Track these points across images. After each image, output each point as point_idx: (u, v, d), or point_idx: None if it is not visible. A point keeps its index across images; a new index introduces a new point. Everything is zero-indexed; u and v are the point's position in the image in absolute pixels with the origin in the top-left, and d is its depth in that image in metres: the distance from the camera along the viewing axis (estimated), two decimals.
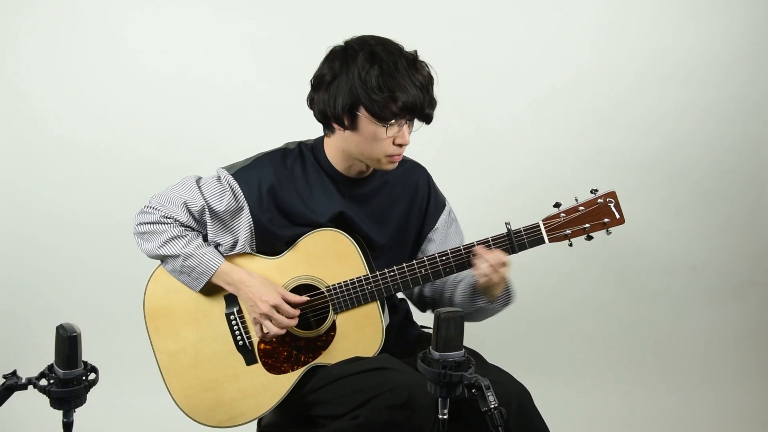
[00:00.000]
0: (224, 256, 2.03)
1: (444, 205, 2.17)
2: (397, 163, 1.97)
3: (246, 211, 2.00)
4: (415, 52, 1.91)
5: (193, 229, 2.04)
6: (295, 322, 1.99)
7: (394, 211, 2.10)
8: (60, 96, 3.32)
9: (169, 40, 3.33)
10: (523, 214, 3.28)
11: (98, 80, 3.32)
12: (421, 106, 1.87)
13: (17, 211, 3.36)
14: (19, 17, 3.28)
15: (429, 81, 1.89)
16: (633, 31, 3.36)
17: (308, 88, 3.29)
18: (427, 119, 1.92)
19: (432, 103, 1.90)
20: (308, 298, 2.01)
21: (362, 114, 1.87)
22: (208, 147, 3.30)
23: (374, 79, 1.83)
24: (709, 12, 3.35)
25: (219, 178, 2.02)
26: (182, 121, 3.34)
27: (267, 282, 1.99)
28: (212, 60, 3.35)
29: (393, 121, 1.87)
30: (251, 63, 3.35)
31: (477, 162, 3.34)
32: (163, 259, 2.03)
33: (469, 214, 3.19)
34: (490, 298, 2.03)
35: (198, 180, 2.04)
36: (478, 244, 1.96)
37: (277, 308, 1.96)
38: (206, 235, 2.04)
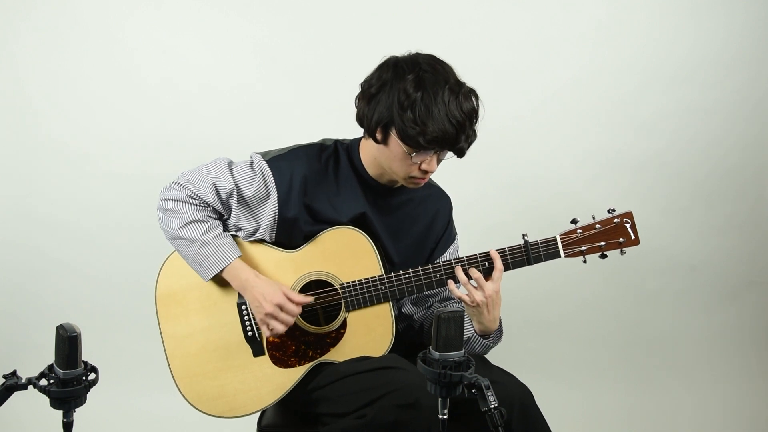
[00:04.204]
0: (240, 248, 2.03)
1: (454, 239, 2.20)
2: (420, 185, 2.00)
3: (273, 199, 2.00)
4: (464, 83, 1.90)
5: (216, 212, 2.04)
6: (293, 320, 2.00)
7: (412, 229, 2.11)
8: (59, 98, 3.31)
9: (169, 40, 3.33)
10: (525, 215, 3.32)
11: (97, 82, 3.31)
12: (451, 142, 1.87)
13: (17, 213, 3.36)
14: (18, 18, 3.27)
15: (468, 116, 1.87)
16: (634, 32, 3.35)
17: (308, 88, 3.32)
18: (459, 153, 1.92)
19: (467, 139, 1.90)
20: (312, 299, 2.01)
21: (393, 134, 1.89)
22: (208, 148, 3.29)
23: (411, 107, 1.83)
24: (709, 12, 3.34)
25: (252, 163, 2.02)
26: (183, 123, 3.33)
27: (272, 282, 1.99)
28: (213, 60, 3.34)
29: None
30: (252, 63, 3.35)
31: (479, 162, 3.32)
32: (180, 241, 2.02)
33: (471, 213, 3.20)
34: (481, 329, 2.04)
35: (230, 163, 2.03)
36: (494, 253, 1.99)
37: (281, 307, 1.96)
38: (228, 218, 2.04)
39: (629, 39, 3.35)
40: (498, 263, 1.97)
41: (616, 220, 2.02)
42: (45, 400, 1.51)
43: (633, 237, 2.03)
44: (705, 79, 3.37)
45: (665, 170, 3.43)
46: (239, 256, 2.00)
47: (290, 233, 2.03)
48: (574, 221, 2.02)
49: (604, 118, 3.39)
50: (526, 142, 3.39)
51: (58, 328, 1.49)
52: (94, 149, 3.33)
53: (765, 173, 3.48)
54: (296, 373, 2.03)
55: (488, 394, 1.48)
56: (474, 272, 1.97)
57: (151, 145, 3.33)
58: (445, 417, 1.54)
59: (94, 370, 1.54)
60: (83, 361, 1.51)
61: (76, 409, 1.52)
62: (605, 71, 3.36)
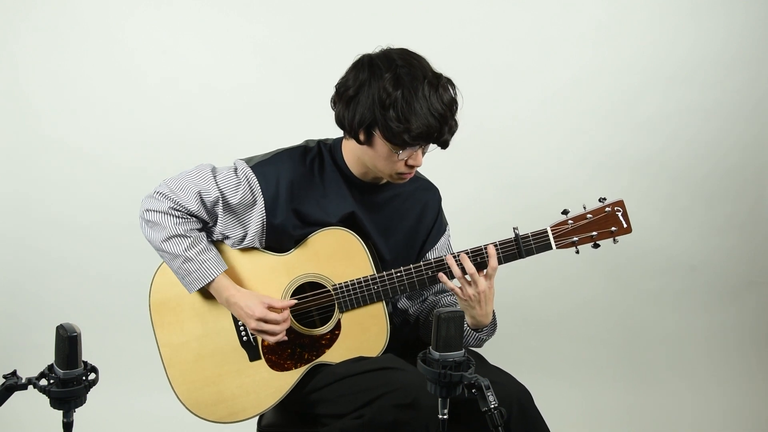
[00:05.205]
0: (231, 254, 2.03)
1: (445, 230, 2.20)
2: (406, 180, 1.99)
3: (260, 205, 1.99)
4: (440, 75, 1.89)
5: (201, 221, 2.03)
6: (286, 326, 1.99)
7: (402, 224, 2.11)
8: (59, 98, 3.31)
9: (169, 40, 3.33)
10: (524, 214, 3.31)
11: (97, 82, 3.30)
12: (436, 135, 1.87)
13: (17, 213, 3.36)
14: (18, 18, 3.27)
15: (449, 107, 1.87)
16: (634, 32, 3.35)
17: (309, 88, 3.31)
18: (443, 145, 1.92)
19: (450, 130, 1.89)
20: (294, 302, 2.01)
21: (377, 134, 1.88)
22: (208, 148, 3.29)
23: (393, 106, 1.83)
24: (709, 12, 3.34)
25: (236, 169, 2.01)
26: (183, 123, 3.33)
27: (252, 295, 1.99)
28: (213, 60, 3.34)
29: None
30: (252, 63, 3.34)
31: (479, 162, 3.34)
32: (163, 253, 2.02)
33: (470, 213, 3.20)
34: (473, 322, 2.03)
35: (213, 170, 2.02)
36: (485, 247, 1.98)
37: (264, 320, 1.96)
38: (214, 226, 2.03)
39: (629, 39, 3.35)
40: (493, 261, 1.96)
41: (607, 209, 2.00)
42: (45, 400, 1.51)
43: (625, 225, 2.00)
44: (705, 79, 3.37)
45: (665, 170, 3.43)
46: (224, 271, 2.00)
47: (280, 239, 2.03)
48: (564, 212, 2.00)
49: (604, 118, 3.39)
50: (525, 142, 3.39)
51: (58, 328, 1.49)
52: (94, 149, 3.33)
53: (765, 173, 3.48)
54: (293, 375, 2.03)
55: (488, 394, 1.48)
56: (469, 267, 1.95)
57: (152, 145, 3.32)
58: (445, 417, 1.54)
59: (94, 370, 1.54)
60: (83, 361, 1.51)
61: (76, 409, 1.53)
62: (605, 71, 3.36)
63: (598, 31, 3.35)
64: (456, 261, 1.98)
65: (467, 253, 1.98)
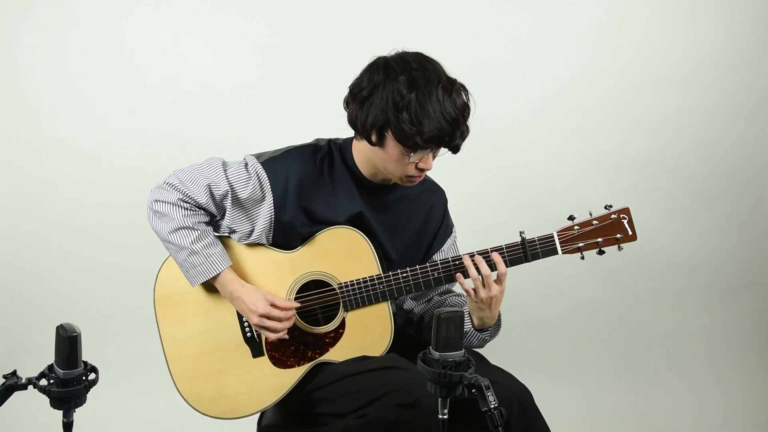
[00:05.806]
0: (237, 250, 2.03)
1: (451, 232, 2.20)
2: (415, 183, 2.00)
3: (268, 201, 2.00)
4: (455, 80, 1.90)
5: (209, 214, 2.03)
6: (289, 324, 2.00)
7: (409, 225, 2.12)
8: (59, 98, 3.31)
9: (169, 40, 3.33)
10: (524, 215, 3.32)
11: (97, 82, 3.30)
12: (447, 140, 1.88)
13: (17, 212, 3.36)
14: (18, 18, 3.27)
15: (462, 112, 1.88)
16: (634, 32, 3.35)
17: (309, 88, 3.32)
18: (454, 150, 1.92)
19: (462, 135, 1.90)
20: (298, 304, 2.02)
21: (389, 136, 1.89)
22: (208, 148, 3.27)
23: (407, 108, 1.83)
24: (709, 12, 3.34)
25: (246, 164, 2.02)
26: (183, 123, 3.33)
27: (256, 291, 1.99)
28: (213, 60, 3.34)
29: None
30: (252, 63, 3.35)
31: (479, 162, 3.33)
32: (169, 244, 2.02)
33: (471, 213, 3.19)
34: (479, 323, 2.04)
35: (224, 163, 2.03)
36: (491, 251, 1.99)
37: (267, 316, 1.96)
38: (222, 220, 2.04)
39: (629, 39, 3.35)
40: (501, 267, 1.97)
41: (613, 216, 2.02)
42: (45, 400, 1.51)
43: (630, 233, 2.02)
44: (705, 79, 3.37)
45: (665, 170, 3.43)
46: (228, 266, 2.00)
47: (287, 236, 2.03)
48: (571, 218, 2.02)
49: (604, 118, 3.39)
50: (526, 141, 3.39)
51: (58, 328, 1.49)
52: (94, 149, 3.33)
53: (765, 173, 3.48)
54: (295, 373, 2.03)
55: (488, 394, 1.48)
56: (484, 269, 1.95)
57: (152, 145, 3.32)
58: (445, 417, 1.54)
59: (94, 370, 1.54)
60: (83, 361, 1.51)
61: (76, 409, 1.53)
62: (605, 71, 3.36)
63: (598, 31, 3.35)
64: (473, 263, 1.97)
65: (485, 256, 1.98)
